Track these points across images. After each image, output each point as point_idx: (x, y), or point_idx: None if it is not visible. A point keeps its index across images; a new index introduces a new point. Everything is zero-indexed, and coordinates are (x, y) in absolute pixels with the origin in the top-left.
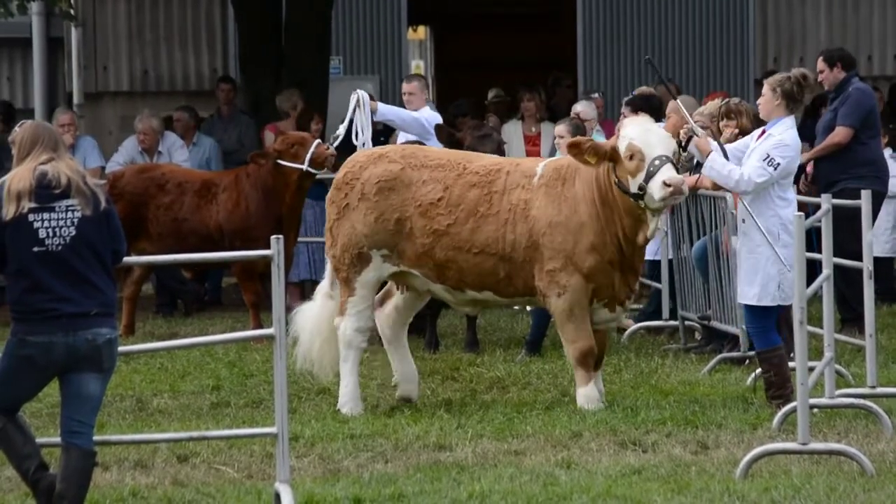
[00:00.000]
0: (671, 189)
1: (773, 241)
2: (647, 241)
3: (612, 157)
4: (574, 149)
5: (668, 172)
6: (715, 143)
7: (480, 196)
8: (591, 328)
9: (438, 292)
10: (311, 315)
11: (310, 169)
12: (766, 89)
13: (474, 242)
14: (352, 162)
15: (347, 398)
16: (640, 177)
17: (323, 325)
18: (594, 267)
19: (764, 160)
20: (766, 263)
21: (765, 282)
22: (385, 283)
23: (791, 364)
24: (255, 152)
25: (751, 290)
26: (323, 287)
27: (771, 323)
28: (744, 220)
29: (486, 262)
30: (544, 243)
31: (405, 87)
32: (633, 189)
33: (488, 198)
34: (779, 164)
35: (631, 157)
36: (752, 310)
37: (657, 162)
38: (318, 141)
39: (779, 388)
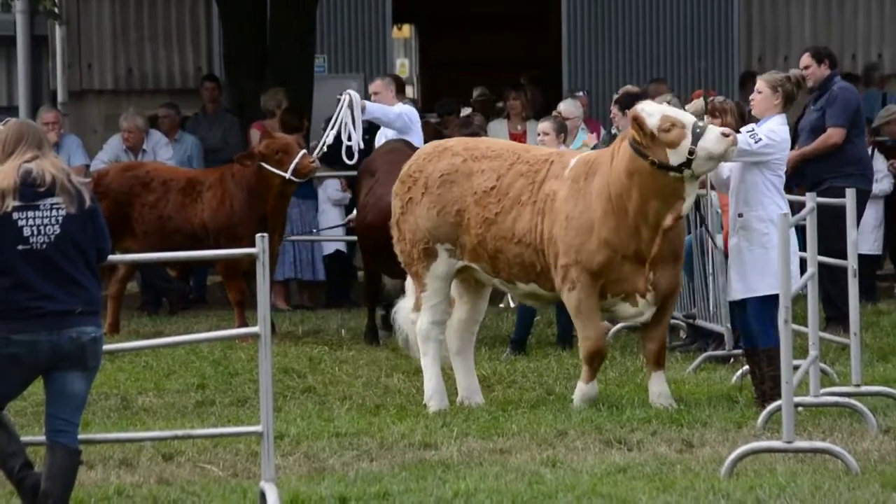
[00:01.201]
0: (731, 138)
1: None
2: (676, 220)
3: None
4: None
5: (718, 128)
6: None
7: (525, 185)
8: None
9: (498, 287)
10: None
11: (292, 178)
12: (763, 86)
13: (515, 231)
14: (417, 154)
15: (432, 392)
16: (685, 143)
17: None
18: (604, 263)
19: (748, 132)
20: (773, 251)
21: (775, 269)
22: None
23: None
24: (241, 154)
25: (763, 280)
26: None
27: (774, 318)
28: (740, 215)
29: (525, 253)
30: (559, 237)
31: (370, 87)
32: (679, 160)
33: (531, 187)
34: (760, 139)
35: (669, 129)
36: (760, 304)
37: (700, 124)
38: (303, 152)
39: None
